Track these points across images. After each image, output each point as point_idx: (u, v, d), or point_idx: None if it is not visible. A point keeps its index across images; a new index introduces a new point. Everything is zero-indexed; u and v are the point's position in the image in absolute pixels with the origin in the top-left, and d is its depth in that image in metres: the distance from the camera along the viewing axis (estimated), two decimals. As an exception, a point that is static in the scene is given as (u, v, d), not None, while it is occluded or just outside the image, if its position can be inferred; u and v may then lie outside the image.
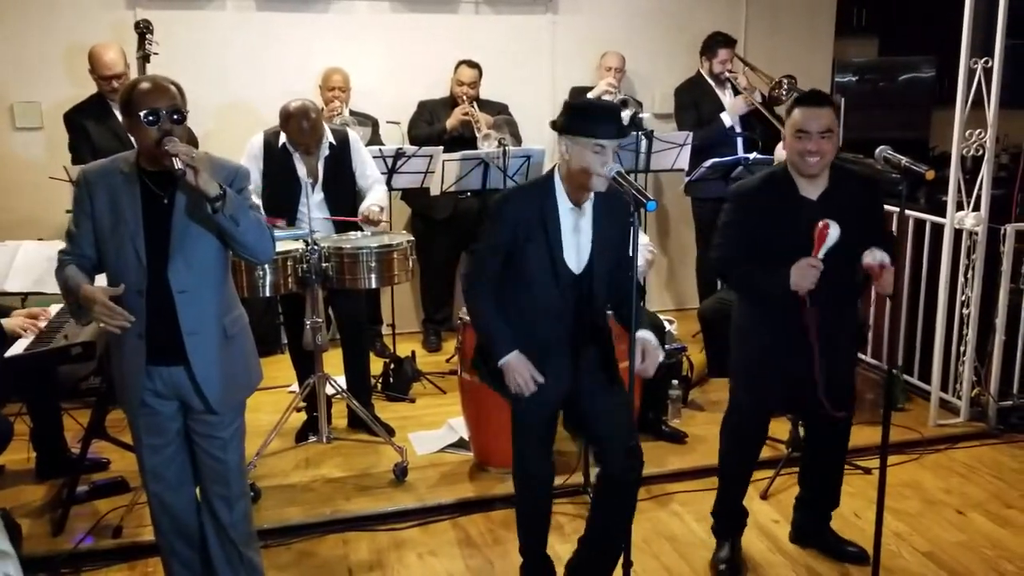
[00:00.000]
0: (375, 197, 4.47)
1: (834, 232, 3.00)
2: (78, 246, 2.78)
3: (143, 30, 4.82)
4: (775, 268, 3.07)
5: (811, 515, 3.62)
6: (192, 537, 3.03)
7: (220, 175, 2.75)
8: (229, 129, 5.34)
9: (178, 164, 2.56)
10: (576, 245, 2.96)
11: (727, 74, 5.95)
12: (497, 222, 2.96)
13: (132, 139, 2.77)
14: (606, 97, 5.84)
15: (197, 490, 3.02)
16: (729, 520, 3.54)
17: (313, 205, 4.29)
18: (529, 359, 2.98)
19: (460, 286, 6.09)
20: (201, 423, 2.88)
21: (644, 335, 2.97)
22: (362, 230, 4.40)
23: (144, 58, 4.80)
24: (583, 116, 2.89)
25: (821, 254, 3.02)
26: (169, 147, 2.58)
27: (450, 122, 5.67)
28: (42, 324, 3.55)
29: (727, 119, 5.82)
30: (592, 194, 2.96)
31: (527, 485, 3.22)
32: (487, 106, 5.80)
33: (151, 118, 2.64)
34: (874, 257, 3.02)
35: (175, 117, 2.67)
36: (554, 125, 2.95)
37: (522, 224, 2.92)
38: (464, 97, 5.70)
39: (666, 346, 4.64)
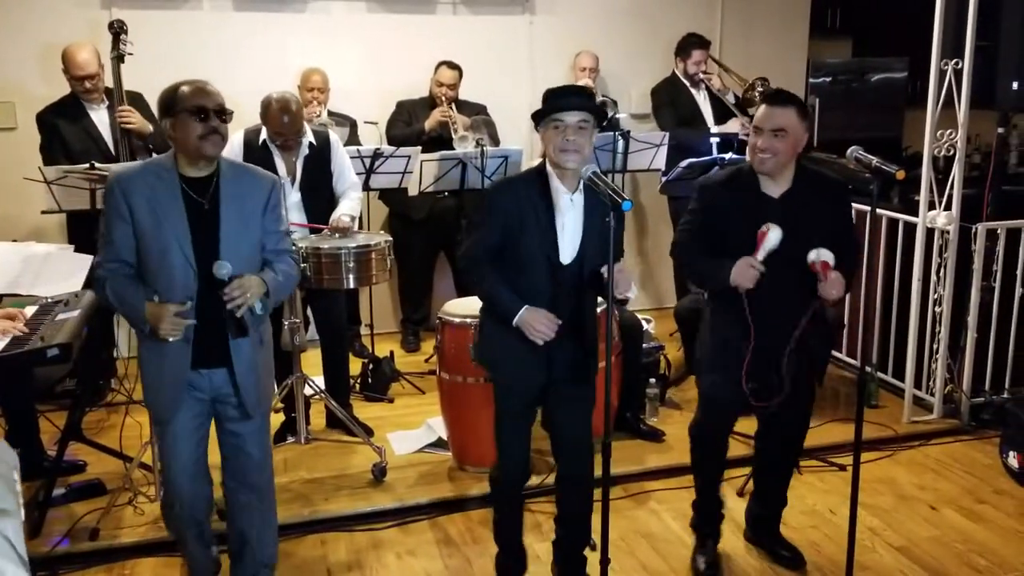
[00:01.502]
0: (347, 206, 4.45)
1: (773, 236, 3.02)
2: (118, 253, 2.79)
3: (117, 30, 4.79)
4: (722, 260, 3.10)
5: (763, 512, 3.61)
6: (207, 533, 3.13)
7: (257, 186, 2.90)
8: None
9: (239, 313, 2.76)
10: (566, 235, 2.98)
11: (701, 75, 6.00)
12: (491, 212, 2.99)
13: (170, 141, 2.81)
14: (583, 97, 5.86)
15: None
16: (706, 517, 3.55)
17: (290, 205, 4.28)
18: (518, 347, 3.00)
19: (438, 286, 6.13)
20: (233, 422, 2.96)
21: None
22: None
23: (118, 58, 4.78)
24: (545, 99, 2.95)
25: (761, 256, 3.04)
26: (233, 304, 2.74)
27: (429, 123, 5.68)
28: (21, 326, 3.53)
29: (713, 129, 5.88)
30: (582, 184, 2.97)
31: (507, 473, 3.23)
32: (466, 107, 5.81)
33: (202, 115, 2.73)
34: (818, 255, 3.03)
35: (222, 119, 2.77)
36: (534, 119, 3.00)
37: (514, 213, 2.94)
38: (443, 98, 5.71)
39: (643, 345, 4.69)
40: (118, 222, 2.77)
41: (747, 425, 3.65)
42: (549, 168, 2.98)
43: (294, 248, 3.92)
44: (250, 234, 2.88)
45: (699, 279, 3.36)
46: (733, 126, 5.91)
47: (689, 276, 3.45)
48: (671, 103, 5.99)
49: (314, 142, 4.40)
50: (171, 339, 2.75)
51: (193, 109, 2.73)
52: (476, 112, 5.81)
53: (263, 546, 3.14)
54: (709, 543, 3.53)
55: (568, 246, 2.99)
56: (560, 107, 2.88)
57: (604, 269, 2.88)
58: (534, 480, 3.99)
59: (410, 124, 5.74)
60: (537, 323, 2.92)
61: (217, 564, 3.29)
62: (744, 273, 3.05)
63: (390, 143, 5.70)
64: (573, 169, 2.91)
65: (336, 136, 4.62)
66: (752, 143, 3.12)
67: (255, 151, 4.31)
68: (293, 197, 4.35)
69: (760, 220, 3.09)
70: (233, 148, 4.34)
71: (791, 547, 3.56)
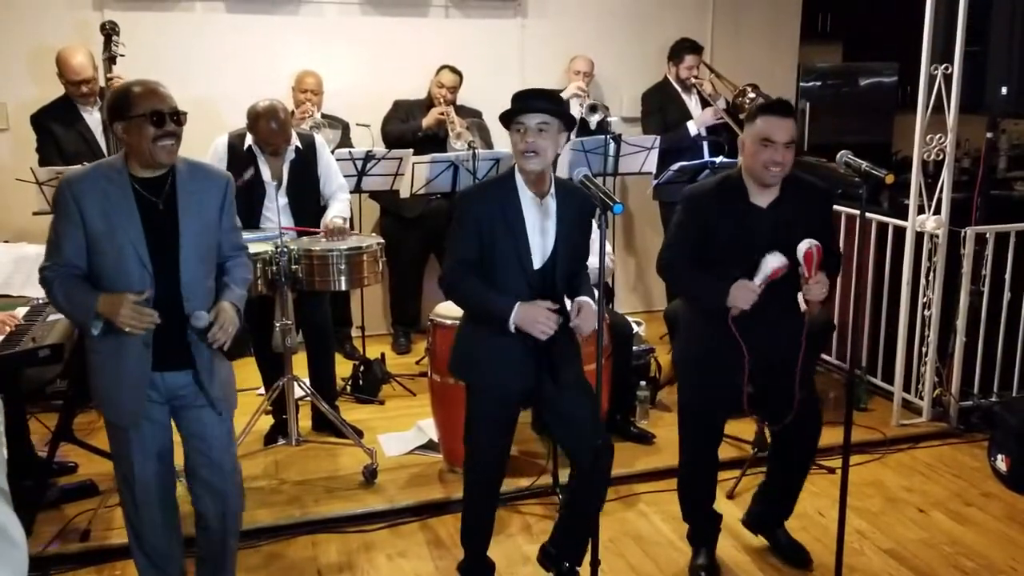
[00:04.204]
0: (338, 208, 4.46)
1: (771, 260, 3.04)
2: (64, 257, 2.71)
3: (109, 31, 4.80)
4: (715, 277, 3.09)
5: (768, 511, 3.62)
6: (168, 556, 3.03)
7: (213, 183, 2.86)
8: (195, 132, 5.29)
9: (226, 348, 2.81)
10: (539, 239, 2.98)
11: (693, 80, 6.02)
12: (463, 220, 2.98)
13: (121, 143, 2.74)
14: (575, 101, 5.89)
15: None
16: (701, 525, 3.53)
17: (277, 209, 4.29)
18: (499, 349, 2.99)
19: (429, 287, 6.13)
20: (200, 426, 2.91)
21: (583, 298, 3.00)
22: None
23: (110, 59, 4.78)
24: (511, 104, 2.95)
25: (759, 281, 3.04)
26: (218, 345, 2.78)
27: (426, 121, 5.68)
28: (11, 325, 3.54)
29: (693, 128, 5.90)
30: (553, 188, 2.99)
31: (481, 478, 3.21)
32: (463, 111, 5.82)
33: (156, 119, 2.66)
34: (810, 244, 3.03)
35: (176, 121, 2.71)
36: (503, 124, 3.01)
37: (485, 219, 2.94)
38: (442, 99, 5.72)
39: (634, 347, 4.71)
40: (68, 226, 2.69)
41: (740, 428, 3.67)
42: (517, 172, 2.99)
43: (289, 249, 3.99)
44: (209, 233, 2.84)
45: (690, 296, 3.33)
46: (707, 115, 5.92)
47: (679, 293, 3.38)
48: (660, 110, 6.01)
49: (300, 146, 4.40)
50: (128, 330, 2.66)
51: (148, 113, 2.66)
52: (472, 117, 5.83)
53: (230, 552, 3.10)
54: (706, 551, 3.51)
55: (538, 250, 2.98)
56: (520, 109, 2.89)
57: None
58: (524, 482, 4.01)
59: (406, 122, 5.75)
60: (537, 317, 2.88)
61: None
62: (743, 297, 3.04)
63: (385, 138, 5.71)
64: (534, 171, 2.92)
65: (322, 139, 4.62)
66: (765, 159, 3.03)
67: (240, 155, 4.31)
68: (280, 201, 4.34)
69: (747, 231, 3.09)
70: (217, 152, 4.35)
71: (797, 544, 3.57)
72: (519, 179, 2.98)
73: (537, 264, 2.98)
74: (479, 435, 3.15)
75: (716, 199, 3.17)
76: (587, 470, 3.10)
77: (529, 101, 2.91)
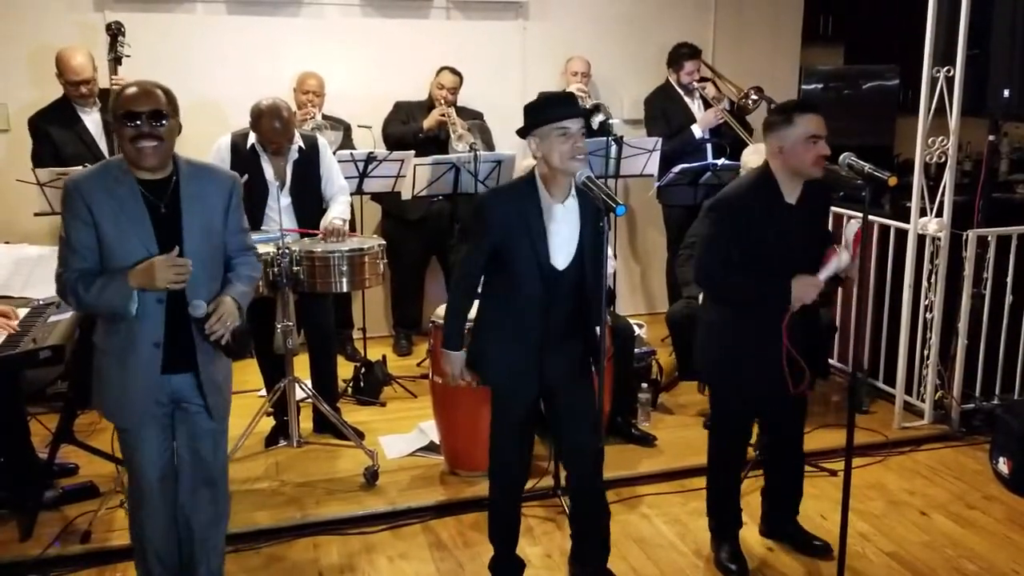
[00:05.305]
0: (338, 210, 4.45)
1: (844, 257, 3.16)
2: (82, 259, 2.71)
3: (115, 32, 4.80)
4: (764, 279, 3.16)
5: (778, 507, 3.66)
6: (171, 558, 3.04)
7: (218, 185, 2.85)
8: (197, 133, 5.30)
9: (223, 341, 2.79)
10: (561, 242, 3.00)
11: (695, 85, 6.00)
12: (483, 222, 3.01)
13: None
14: (576, 103, 5.87)
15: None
16: (729, 519, 3.57)
17: (280, 209, 4.28)
18: (510, 355, 3.05)
19: (431, 289, 6.14)
20: (195, 428, 2.92)
21: None
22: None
23: (116, 60, 4.79)
24: (541, 108, 2.97)
25: (825, 275, 3.16)
26: (215, 336, 2.75)
27: (427, 122, 5.68)
28: (14, 324, 3.53)
29: (697, 131, 5.88)
30: (574, 190, 3.00)
31: (502, 478, 3.24)
32: (464, 113, 5.82)
33: (128, 121, 2.66)
34: (858, 225, 3.18)
35: (154, 123, 2.67)
36: (520, 132, 3.01)
37: (506, 222, 2.97)
38: (442, 100, 5.72)
39: (635, 350, 4.70)
40: (80, 226, 2.69)
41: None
42: (539, 177, 3.00)
43: (291, 250, 3.99)
44: (212, 235, 2.83)
45: (744, 301, 3.30)
46: (709, 116, 5.90)
47: (728, 300, 3.33)
48: (663, 116, 5.98)
49: (303, 146, 4.40)
50: (176, 287, 2.66)
51: (123, 115, 2.66)
52: (473, 118, 5.82)
53: (215, 554, 3.09)
54: (731, 543, 3.54)
55: (562, 252, 3.01)
56: (564, 115, 2.91)
57: None
58: (527, 484, 4.00)
59: (407, 124, 5.74)
60: (454, 368, 3.17)
61: None
62: (808, 292, 3.14)
63: (386, 140, 5.71)
64: (578, 172, 2.94)
65: (324, 140, 4.61)
66: (816, 153, 3.12)
67: (242, 155, 4.30)
68: (283, 201, 4.34)
69: (787, 229, 3.17)
70: (220, 152, 4.34)
71: (816, 536, 3.61)
72: (539, 184, 2.99)
73: (562, 265, 3.02)
74: (503, 436, 3.18)
75: (754, 201, 3.21)
76: (581, 474, 3.15)
77: (570, 107, 2.98)
